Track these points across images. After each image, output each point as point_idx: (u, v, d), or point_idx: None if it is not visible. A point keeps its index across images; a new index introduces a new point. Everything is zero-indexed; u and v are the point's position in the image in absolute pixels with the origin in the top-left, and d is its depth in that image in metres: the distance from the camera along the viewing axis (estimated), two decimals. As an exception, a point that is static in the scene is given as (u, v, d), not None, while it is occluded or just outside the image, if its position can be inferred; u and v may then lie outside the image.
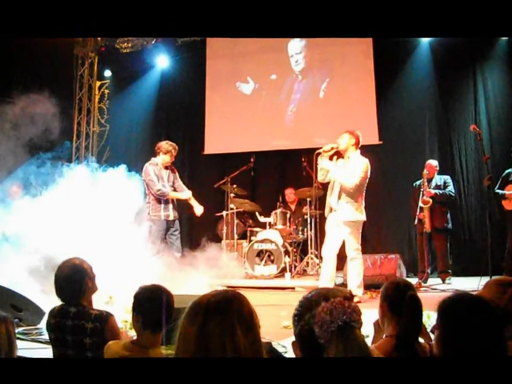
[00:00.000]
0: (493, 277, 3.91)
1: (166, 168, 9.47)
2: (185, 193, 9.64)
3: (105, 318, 3.95)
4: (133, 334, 4.17)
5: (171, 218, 9.35)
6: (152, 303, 3.39)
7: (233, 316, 2.01)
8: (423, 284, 9.75)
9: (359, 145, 8.34)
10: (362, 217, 8.23)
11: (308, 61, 13.20)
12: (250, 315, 2.08)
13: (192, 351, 1.97)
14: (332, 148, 8.32)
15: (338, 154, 8.45)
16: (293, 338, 2.24)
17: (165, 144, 9.53)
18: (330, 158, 8.42)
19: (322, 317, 2.00)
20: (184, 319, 2.06)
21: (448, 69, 11.93)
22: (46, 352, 5.33)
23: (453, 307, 2.45)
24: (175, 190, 9.55)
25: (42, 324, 6.50)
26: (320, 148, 8.50)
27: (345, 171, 8.16)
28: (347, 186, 8.07)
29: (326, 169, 8.30)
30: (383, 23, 3.09)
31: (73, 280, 4.06)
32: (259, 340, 2.08)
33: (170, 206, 9.37)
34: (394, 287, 3.40)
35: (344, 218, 8.12)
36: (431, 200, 9.86)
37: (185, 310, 2.10)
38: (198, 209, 9.63)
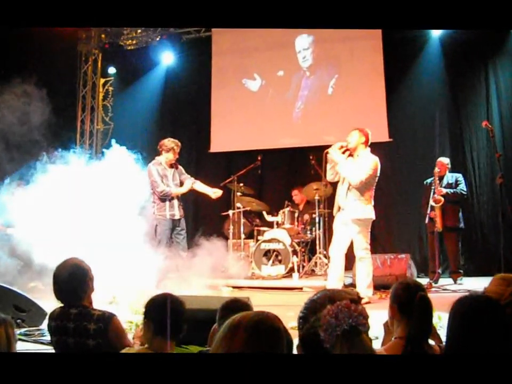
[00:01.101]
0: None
1: (171, 166, 9.45)
2: (186, 184, 9.60)
3: (108, 319, 3.93)
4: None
5: (177, 217, 9.34)
6: (162, 311, 3.37)
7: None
8: (434, 284, 9.71)
9: (369, 143, 8.32)
10: (371, 215, 8.21)
11: (316, 56, 13.16)
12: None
13: None
14: (342, 147, 8.30)
15: (349, 153, 8.43)
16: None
17: (167, 142, 9.53)
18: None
19: (328, 320, 2.00)
20: (224, 337, 2.08)
21: (459, 64, 11.86)
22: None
23: (465, 308, 2.44)
24: (181, 185, 9.55)
25: (45, 325, 6.52)
26: (329, 145, 8.51)
27: (353, 168, 8.15)
28: (353, 182, 8.06)
29: (335, 161, 8.27)
30: (393, 14, 3.07)
31: (75, 281, 4.04)
32: None
33: (176, 204, 9.35)
34: (404, 288, 3.38)
35: (352, 217, 8.11)
36: (442, 199, 9.83)
37: (223, 328, 2.13)
38: (212, 192, 9.60)
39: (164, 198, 9.24)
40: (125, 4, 3.04)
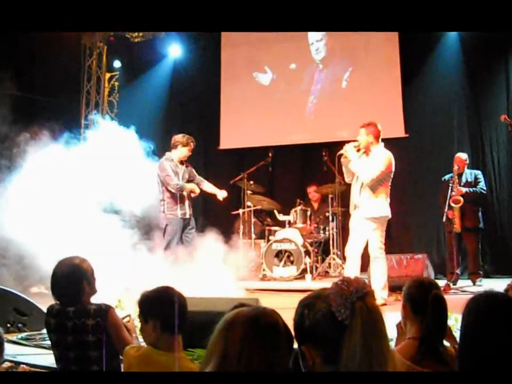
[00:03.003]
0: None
1: (181, 163, 9.48)
2: (195, 181, 9.69)
3: (104, 312, 3.96)
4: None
5: (187, 216, 9.37)
6: (168, 304, 3.30)
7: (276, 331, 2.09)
8: (452, 286, 9.70)
9: (380, 138, 8.30)
10: (387, 213, 8.20)
11: (330, 49, 13.17)
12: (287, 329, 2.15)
13: (233, 367, 2.01)
14: (354, 147, 8.30)
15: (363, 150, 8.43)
16: None
17: (181, 137, 9.49)
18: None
19: (341, 288, 2.03)
20: (220, 335, 2.11)
21: (478, 57, 11.83)
22: (50, 358, 5.39)
23: (480, 306, 2.46)
24: None
25: (46, 329, 6.57)
26: (343, 141, 8.53)
27: (365, 165, 8.15)
28: (365, 181, 8.06)
29: (349, 158, 8.28)
30: (408, 17, 3.10)
31: (70, 282, 4.06)
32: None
33: (187, 203, 9.36)
34: (417, 286, 3.39)
35: (366, 215, 8.11)
36: (462, 199, 9.80)
37: (218, 326, 2.15)
38: (220, 193, 9.64)
39: (178, 192, 9.22)
40: (129, 8, 3.08)
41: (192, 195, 9.52)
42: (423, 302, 3.24)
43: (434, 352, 3.17)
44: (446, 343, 3.35)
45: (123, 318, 4.31)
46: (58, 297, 4.12)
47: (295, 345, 2.19)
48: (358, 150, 8.33)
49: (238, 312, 2.15)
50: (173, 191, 9.21)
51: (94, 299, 4.21)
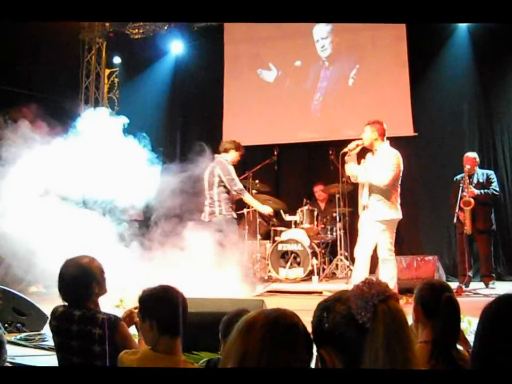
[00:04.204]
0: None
1: None
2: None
3: (114, 324, 3.89)
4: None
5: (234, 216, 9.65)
6: (167, 305, 3.33)
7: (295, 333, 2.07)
8: (464, 288, 9.66)
9: (385, 136, 8.25)
10: (397, 215, 8.12)
11: (336, 46, 13.15)
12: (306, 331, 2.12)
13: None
14: (357, 145, 8.23)
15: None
16: None
17: (233, 142, 9.80)
18: (358, 155, 8.38)
19: (362, 291, 2.01)
20: (240, 336, 2.08)
21: (489, 54, 11.81)
22: (50, 359, 5.36)
23: (497, 309, 2.42)
24: None
25: (46, 329, 6.55)
26: (349, 140, 8.47)
27: (374, 168, 8.10)
28: (379, 185, 8.01)
29: (353, 175, 8.26)
30: (417, 7, 3.07)
31: (79, 283, 4.01)
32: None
33: None
34: (429, 288, 3.38)
35: (376, 218, 8.04)
36: (473, 201, 9.73)
37: (238, 327, 2.11)
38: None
39: (239, 195, 9.53)
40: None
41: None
42: (435, 305, 3.21)
43: (447, 356, 3.13)
44: (459, 346, 3.32)
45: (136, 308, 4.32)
46: (65, 299, 4.06)
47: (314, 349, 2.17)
48: (361, 151, 8.31)
49: (258, 313, 2.12)
50: (234, 193, 9.46)
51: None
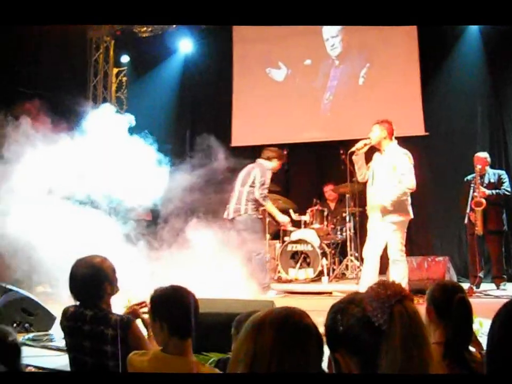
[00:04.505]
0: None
1: None
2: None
3: (127, 324, 3.87)
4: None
5: None
6: (177, 307, 3.30)
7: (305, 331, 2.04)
8: (475, 289, 9.62)
9: (393, 135, 8.22)
10: (409, 215, 8.12)
11: (346, 44, 13.12)
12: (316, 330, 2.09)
13: (263, 370, 1.95)
14: (365, 145, 8.22)
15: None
16: None
17: (277, 151, 10.10)
18: (366, 154, 8.36)
19: (378, 292, 1.97)
20: (249, 337, 2.04)
21: (501, 52, 11.75)
22: (57, 360, 5.34)
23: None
24: None
25: (53, 330, 6.54)
26: (359, 139, 8.44)
27: (382, 167, 8.07)
28: (412, 189, 8.02)
29: (360, 156, 8.27)
30: (427, 10, 3.02)
31: (91, 283, 3.99)
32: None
33: None
34: (441, 289, 3.36)
35: (388, 217, 8.01)
36: (484, 202, 9.67)
37: (246, 327, 2.08)
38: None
39: (262, 200, 9.68)
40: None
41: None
42: (447, 306, 3.19)
43: (460, 357, 3.10)
44: (471, 348, 3.28)
45: (139, 304, 4.29)
46: (77, 298, 4.05)
47: (328, 353, 2.12)
48: (370, 147, 8.28)
49: (267, 312, 2.10)
50: (258, 197, 9.62)
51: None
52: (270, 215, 11.13)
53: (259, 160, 9.87)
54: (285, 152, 10.27)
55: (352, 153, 8.34)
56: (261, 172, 9.69)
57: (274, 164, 9.88)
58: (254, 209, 9.58)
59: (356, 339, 2.00)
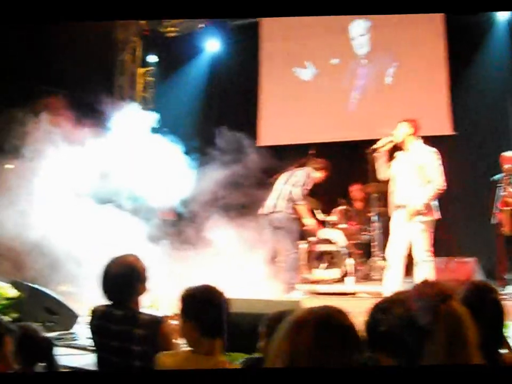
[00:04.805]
0: None
1: None
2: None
3: (157, 324, 3.86)
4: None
5: None
6: (209, 307, 3.29)
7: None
8: (500, 291, 9.48)
9: (418, 133, 8.15)
10: (436, 215, 8.07)
11: (373, 44, 13.09)
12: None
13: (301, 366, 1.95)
14: (388, 142, 8.20)
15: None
16: None
17: (325, 162, 10.35)
18: (388, 153, 8.31)
19: (422, 291, 1.95)
20: (287, 337, 2.03)
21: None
22: (81, 358, 5.37)
23: None
24: None
25: (76, 328, 6.57)
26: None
27: (408, 165, 8.02)
28: (442, 189, 7.99)
29: (381, 154, 8.26)
30: None
31: (124, 282, 4.00)
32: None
33: None
34: (472, 290, 3.32)
35: (415, 218, 7.94)
36: (512, 202, 9.60)
37: (284, 327, 2.08)
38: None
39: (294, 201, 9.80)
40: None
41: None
42: (478, 307, 3.14)
43: (491, 359, 3.07)
44: (502, 350, 3.25)
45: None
46: (108, 297, 4.06)
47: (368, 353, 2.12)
48: (391, 148, 8.25)
49: (307, 311, 2.10)
50: (294, 196, 9.78)
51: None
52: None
53: (308, 167, 10.07)
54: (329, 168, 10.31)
55: (374, 150, 8.31)
56: (306, 174, 9.88)
57: (320, 174, 10.06)
58: (291, 209, 9.66)
59: (399, 339, 1.99)
